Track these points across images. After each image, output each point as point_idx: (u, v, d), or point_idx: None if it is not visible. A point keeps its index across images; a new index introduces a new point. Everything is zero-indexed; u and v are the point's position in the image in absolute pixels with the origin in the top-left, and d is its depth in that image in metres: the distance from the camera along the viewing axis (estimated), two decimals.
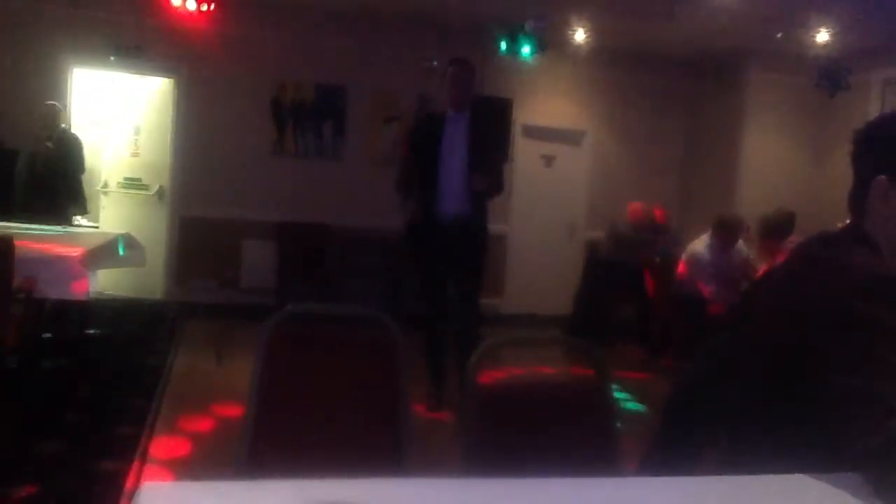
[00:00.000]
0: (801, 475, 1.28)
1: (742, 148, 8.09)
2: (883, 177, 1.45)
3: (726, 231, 6.06)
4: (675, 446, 1.67)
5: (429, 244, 4.69)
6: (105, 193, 7.70)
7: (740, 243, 6.23)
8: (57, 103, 6.42)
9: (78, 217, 6.41)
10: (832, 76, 7.07)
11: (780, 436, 1.43)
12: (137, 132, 7.77)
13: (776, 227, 5.52)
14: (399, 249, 7.91)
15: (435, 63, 7.92)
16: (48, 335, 4.93)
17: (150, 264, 6.12)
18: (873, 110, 7.27)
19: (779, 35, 6.83)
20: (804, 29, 6.50)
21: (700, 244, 6.15)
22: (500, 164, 5.04)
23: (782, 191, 7.57)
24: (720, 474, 1.31)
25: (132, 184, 7.77)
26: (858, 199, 1.52)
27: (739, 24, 6.73)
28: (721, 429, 1.55)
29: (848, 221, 1.58)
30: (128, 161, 7.79)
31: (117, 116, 7.77)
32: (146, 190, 7.75)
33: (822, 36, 6.55)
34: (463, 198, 4.61)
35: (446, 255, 4.66)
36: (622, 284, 7.31)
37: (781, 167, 8.03)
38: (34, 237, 4.45)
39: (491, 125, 5.00)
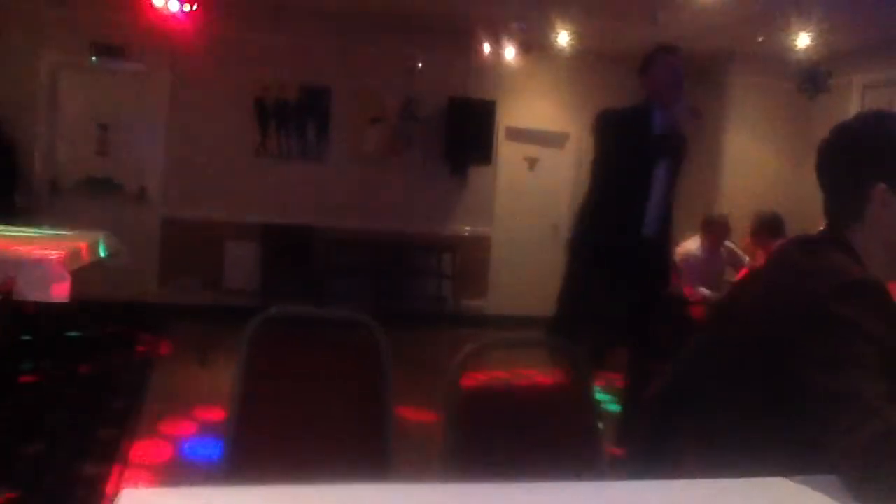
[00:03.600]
0: (781, 478, 1.29)
1: (724, 150, 8.14)
2: (882, 185, 1.46)
3: (714, 230, 6.10)
4: (656, 448, 1.68)
5: (621, 266, 3.89)
6: (55, 192, 7.45)
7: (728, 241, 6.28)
8: None
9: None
10: (813, 79, 7.13)
11: (759, 436, 1.44)
12: (105, 129, 7.61)
13: (769, 225, 5.54)
14: (384, 250, 7.93)
15: (420, 65, 7.93)
16: (28, 338, 4.88)
17: (132, 265, 6.07)
18: (853, 113, 7.33)
19: (760, 38, 6.88)
20: (786, 32, 6.54)
21: (692, 244, 6.18)
22: None
23: (764, 193, 7.62)
24: (701, 476, 1.31)
25: (100, 183, 7.61)
26: (838, 206, 1.55)
27: (721, 27, 6.77)
28: (702, 430, 1.56)
29: (824, 225, 1.60)
30: (93, 160, 7.60)
31: (71, 112, 7.55)
32: (120, 190, 7.64)
33: (804, 39, 6.60)
34: (661, 217, 4.03)
35: (635, 279, 3.94)
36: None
37: (763, 169, 8.09)
38: (14, 238, 4.41)
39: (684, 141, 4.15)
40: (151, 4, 6.81)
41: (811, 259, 1.48)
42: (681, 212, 8.41)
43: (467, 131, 8.02)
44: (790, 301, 1.44)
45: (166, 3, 6.82)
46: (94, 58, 7.33)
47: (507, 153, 8.49)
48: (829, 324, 1.34)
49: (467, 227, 8.48)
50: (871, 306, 1.36)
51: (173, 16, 6.95)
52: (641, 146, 3.88)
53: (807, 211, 7.17)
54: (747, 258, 6.19)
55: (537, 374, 5.77)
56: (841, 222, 1.55)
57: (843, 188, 1.55)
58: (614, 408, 5.30)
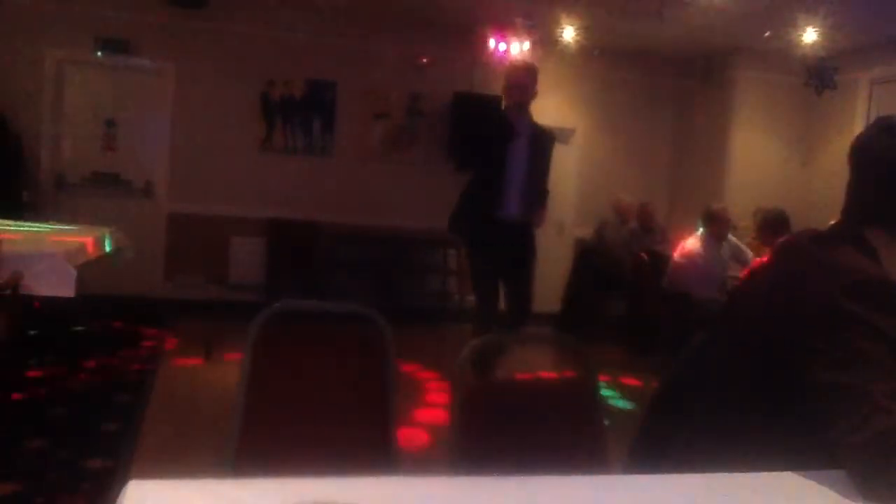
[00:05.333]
0: (789, 472, 1.29)
1: (730, 146, 8.13)
2: None
3: (715, 222, 6.09)
4: (661, 444, 1.68)
5: (492, 244, 4.70)
6: (61, 187, 7.45)
7: (731, 236, 6.28)
8: None
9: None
10: (820, 75, 7.11)
11: (766, 432, 1.44)
12: (111, 125, 7.61)
13: (774, 222, 5.53)
14: (389, 245, 7.94)
15: (425, 60, 7.92)
16: (34, 332, 4.90)
17: (137, 260, 6.09)
18: (860, 110, 7.31)
19: (767, 34, 6.86)
20: (792, 28, 6.52)
21: (694, 242, 6.18)
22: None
23: (770, 189, 7.61)
24: (707, 472, 1.31)
25: (106, 178, 7.62)
26: (861, 202, 1.53)
27: (727, 22, 6.75)
28: (705, 428, 1.55)
29: (838, 221, 1.58)
30: (99, 155, 7.60)
31: (77, 107, 7.54)
32: (126, 185, 7.65)
33: (810, 35, 6.58)
34: (524, 200, 4.73)
35: (507, 254, 4.73)
36: (611, 282, 7.34)
37: (769, 165, 8.07)
38: (20, 233, 4.42)
39: (547, 137, 5.00)
40: None
41: (824, 255, 1.47)
42: (685, 208, 8.44)
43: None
44: (800, 297, 1.43)
45: None
46: (99, 53, 7.34)
47: None
48: (840, 321, 1.33)
49: None
50: (885, 305, 1.35)
51: (179, 11, 6.96)
52: (495, 133, 4.71)
53: (813, 206, 7.17)
54: (751, 253, 6.18)
55: (542, 369, 5.78)
56: (863, 220, 1.52)
57: (867, 184, 1.53)
58: (620, 403, 5.31)
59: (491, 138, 4.74)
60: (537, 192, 4.84)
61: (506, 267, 4.77)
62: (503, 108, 4.91)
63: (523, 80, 4.75)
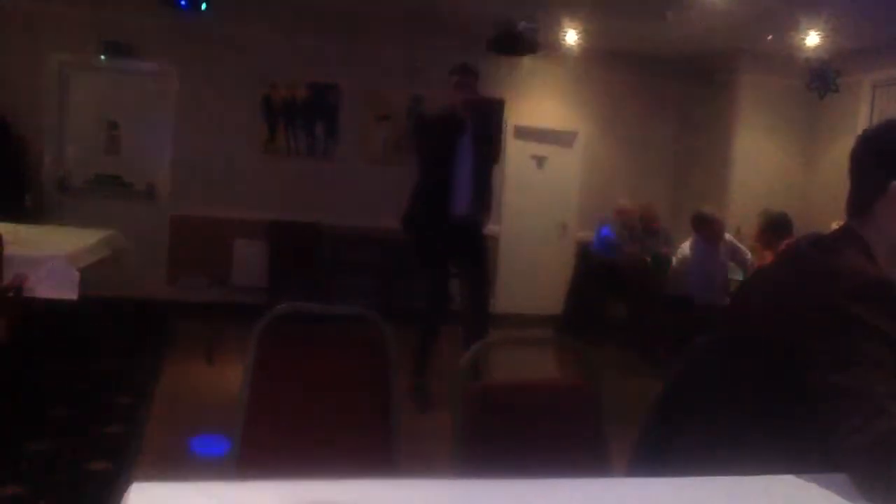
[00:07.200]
0: (790, 476, 1.29)
1: (733, 149, 8.12)
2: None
3: (705, 225, 6.08)
4: (663, 446, 1.68)
5: (439, 242, 4.86)
6: (64, 190, 7.48)
7: (729, 238, 6.26)
8: None
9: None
10: (823, 78, 7.10)
11: (767, 435, 1.44)
12: (114, 128, 7.63)
13: (776, 225, 5.51)
14: (391, 247, 7.93)
15: (418, 64, 7.91)
16: (37, 334, 4.90)
17: (139, 263, 6.10)
18: (863, 113, 7.31)
19: (769, 37, 6.86)
20: (794, 31, 6.52)
21: (689, 246, 6.18)
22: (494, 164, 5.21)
23: (773, 191, 7.60)
24: (709, 474, 1.31)
25: (109, 181, 7.63)
26: (858, 203, 1.53)
27: (730, 25, 6.75)
28: (707, 431, 1.56)
29: (842, 224, 1.58)
30: (102, 158, 7.62)
31: (80, 110, 7.56)
32: (128, 188, 7.66)
33: (812, 38, 6.58)
34: (471, 198, 4.86)
35: (455, 253, 4.89)
36: (613, 284, 7.33)
37: (772, 168, 8.06)
38: (24, 236, 4.43)
39: (489, 125, 5.26)
40: (160, 2, 6.83)
41: (827, 258, 1.47)
42: (688, 211, 8.44)
43: None
44: (804, 300, 1.43)
45: (175, 1, 6.83)
46: (102, 56, 7.35)
47: (515, 151, 8.48)
48: (841, 323, 1.33)
49: None
50: (886, 307, 1.35)
51: (182, 14, 6.96)
52: (443, 132, 4.83)
53: (816, 209, 7.17)
54: (750, 254, 6.17)
55: (544, 371, 5.78)
56: (856, 214, 1.53)
57: (862, 184, 1.53)
58: (623, 406, 5.30)
59: (445, 127, 4.84)
60: (486, 191, 4.98)
61: (459, 268, 4.91)
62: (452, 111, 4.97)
63: (474, 81, 4.96)
